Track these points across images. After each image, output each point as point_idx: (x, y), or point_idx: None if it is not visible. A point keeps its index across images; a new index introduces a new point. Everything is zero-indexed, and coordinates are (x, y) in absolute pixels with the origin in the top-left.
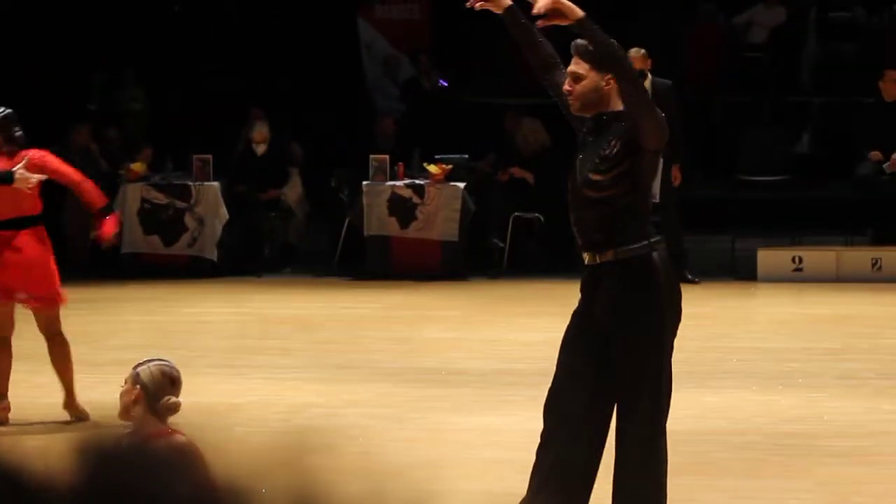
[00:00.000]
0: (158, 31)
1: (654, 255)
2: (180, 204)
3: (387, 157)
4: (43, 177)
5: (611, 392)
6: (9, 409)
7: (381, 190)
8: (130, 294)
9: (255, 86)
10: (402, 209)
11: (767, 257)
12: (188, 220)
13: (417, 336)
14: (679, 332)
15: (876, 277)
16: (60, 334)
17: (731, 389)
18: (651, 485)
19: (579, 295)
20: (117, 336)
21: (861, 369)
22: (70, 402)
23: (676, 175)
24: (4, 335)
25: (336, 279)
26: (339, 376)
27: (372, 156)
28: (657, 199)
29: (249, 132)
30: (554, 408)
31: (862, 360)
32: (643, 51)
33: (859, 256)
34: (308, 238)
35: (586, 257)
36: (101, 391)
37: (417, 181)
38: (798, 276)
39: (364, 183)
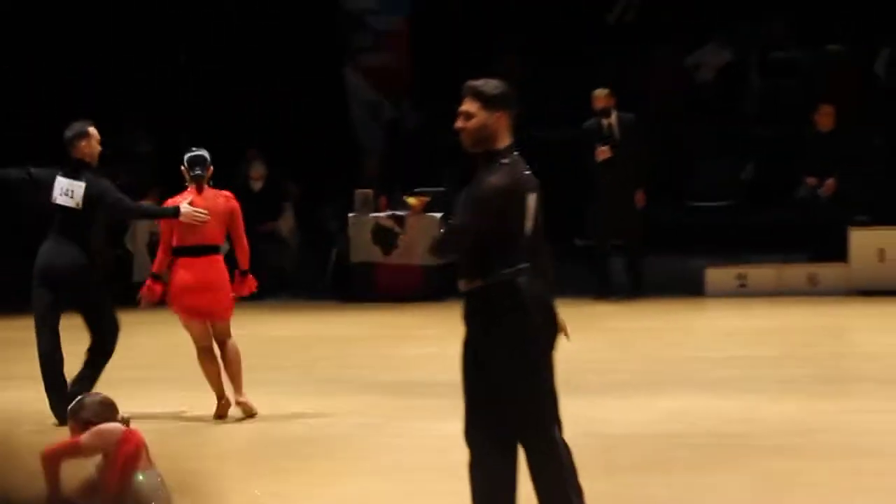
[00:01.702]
0: (164, 79)
1: (520, 279)
2: None
3: (371, 191)
4: (207, 216)
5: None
6: (229, 406)
7: (365, 221)
8: (141, 318)
9: (254, 130)
10: (384, 238)
11: (714, 275)
12: None
13: (400, 353)
14: (633, 343)
15: (813, 291)
16: (231, 339)
17: (680, 395)
18: (565, 481)
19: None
20: (127, 357)
21: (798, 375)
22: (237, 400)
23: (640, 198)
24: (205, 345)
25: (326, 302)
26: (331, 389)
27: (357, 190)
28: (529, 234)
29: (247, 171)
30: (472, 438)
31: (799, 366)
32: (607, 90)
33: (798, 273)
34: (300, 265)
35: (461, 284)
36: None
37: (398, 212)
38: (742, 292)
39: (350, 215)
